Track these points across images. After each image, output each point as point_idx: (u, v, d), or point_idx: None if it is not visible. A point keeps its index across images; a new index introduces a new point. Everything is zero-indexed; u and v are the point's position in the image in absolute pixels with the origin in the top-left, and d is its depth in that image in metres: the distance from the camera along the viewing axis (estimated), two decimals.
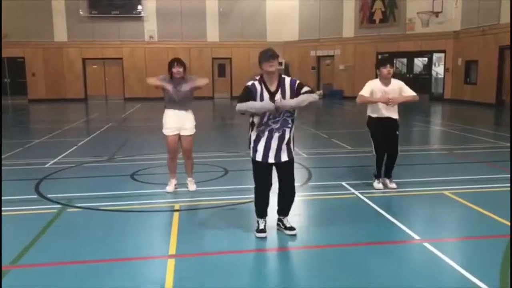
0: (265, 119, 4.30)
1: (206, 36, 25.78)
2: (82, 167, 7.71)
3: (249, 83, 4.35)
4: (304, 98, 4.21)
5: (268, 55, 4.22)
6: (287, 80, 4.34)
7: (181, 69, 5.81)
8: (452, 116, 17.17)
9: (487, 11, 19.12)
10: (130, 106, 21.37)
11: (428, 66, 23.79)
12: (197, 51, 25.56)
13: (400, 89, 5.96)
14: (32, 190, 6.14)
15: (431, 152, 9.24)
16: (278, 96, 4.23)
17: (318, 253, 4.14)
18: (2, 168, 7.55)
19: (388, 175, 6.22)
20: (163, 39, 25.14)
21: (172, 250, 4.15)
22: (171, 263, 3.86)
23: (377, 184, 6.22)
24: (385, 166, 6.18)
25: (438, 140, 11.33)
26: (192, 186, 6.18)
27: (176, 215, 5.12)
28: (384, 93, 5.88)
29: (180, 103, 5.91)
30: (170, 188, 6.12)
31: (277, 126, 4.32)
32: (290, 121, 4.36)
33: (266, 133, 4.33)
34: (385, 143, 6.07)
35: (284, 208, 4.61)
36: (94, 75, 25.76)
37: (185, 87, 5.83)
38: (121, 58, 25.41)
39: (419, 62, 24.23)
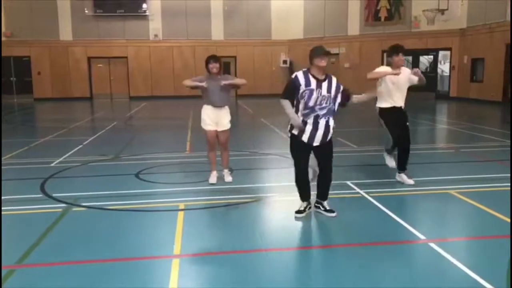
0: (311, 104, 4.63)
1: (211, 34, 25.75)
2: (88, 166, 7.73)
3: (293, 75, 4.74)
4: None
5: (321, 52, 4.63)
6: (334, 79, 4.85)
7: (217, 64, 6.31)
8: (458, 114, 17.06)
9: (494, 9, 18.98)
10: (135, 105, 21.39)
11: (434, 64, 23.67)
12: (202, 50, 25.46)
13: (409, 78, 6.08)
14: (37, 189, 6.15)
15: (437, 151, 9.19)
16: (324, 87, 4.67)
17: (323, 253, 4.12)
18: (8, 167, 7.59)
19: (403, 167, 6.19)
20: (168, 38, 25.14)
21: (177, 249, 4.15)
22: (175, 262, 3.86)
23: (390, 161, 6.38)
24: (399, 159, 6.19)
25: (444, 139, 11.27)
26: (228, 177, 6.50)
27: (181, 214, 5.12)
28: (394, 83, 5.99)
29: (217, 99, 6.24)
30: (212, 179, 6.43)
31: (323, 112, 4.70)
32: (334, 110, 4.81)
33: (312, 118, 4.68)
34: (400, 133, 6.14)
35: (322, 192, 4.99)
36: (99, 74, 25.81)
37: (222, 82, 6.20)
38: (126, 57, 25.45)
39: (425, 60, 24.10)
